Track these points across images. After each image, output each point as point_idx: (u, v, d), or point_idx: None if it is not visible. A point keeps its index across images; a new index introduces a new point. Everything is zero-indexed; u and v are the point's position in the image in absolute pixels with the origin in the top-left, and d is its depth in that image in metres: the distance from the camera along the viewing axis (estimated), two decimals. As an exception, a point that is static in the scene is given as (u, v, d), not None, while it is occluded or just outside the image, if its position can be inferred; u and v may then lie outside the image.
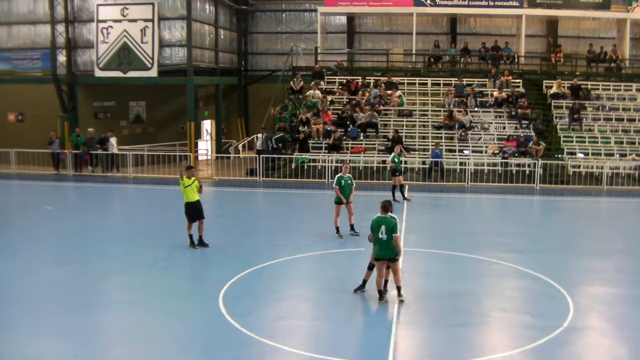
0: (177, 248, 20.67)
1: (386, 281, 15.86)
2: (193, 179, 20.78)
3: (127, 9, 41.04)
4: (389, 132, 36.48)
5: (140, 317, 14.76)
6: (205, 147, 44.24)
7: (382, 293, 15.58)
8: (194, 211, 20.62)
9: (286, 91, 41.71)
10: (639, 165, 34.34)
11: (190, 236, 20.70)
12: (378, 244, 15.46)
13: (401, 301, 15.50)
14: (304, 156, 34.98)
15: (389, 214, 15.73)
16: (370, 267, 16.17)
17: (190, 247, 20.55)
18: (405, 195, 29.03)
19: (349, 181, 22.17)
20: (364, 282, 16.31)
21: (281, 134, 35.99)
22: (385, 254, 15.42)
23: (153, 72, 40.93)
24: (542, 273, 18.21)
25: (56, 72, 41.68)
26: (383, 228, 15.38)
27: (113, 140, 37.04)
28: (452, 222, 26.39)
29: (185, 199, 20.64)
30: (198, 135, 43.05)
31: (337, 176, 22.47)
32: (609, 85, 41.81)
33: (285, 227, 23.48)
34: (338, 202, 21.93)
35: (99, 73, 41.29)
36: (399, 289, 15.65)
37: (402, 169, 30.26)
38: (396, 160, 28.95)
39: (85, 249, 20.68)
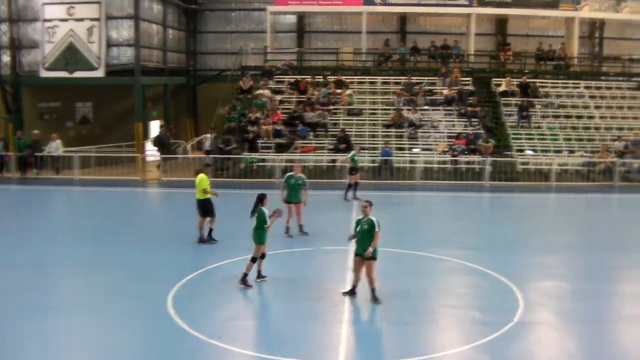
0: (125, 249, 20.33)
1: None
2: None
3: (73, 8, 40.55)
4: (338, 131, 36.30)
5: (87, 321, 14.33)
6: (153, 147, 43.60)
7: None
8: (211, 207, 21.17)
9: (235, 91, 41.28)
10: (587, 161, 34.65)
11: (210, 230, 21.24)
12: None
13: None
14: (253, 156, 34.65)
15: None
16: (263, 256, 16.91)
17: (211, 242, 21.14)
18: (355, 195, 28.81)
19: (300, 181, 21.94)
20: (259, 272, 17.06)
21: (227, 137, 35.45)
22: None
23: (100, 72, 40.48)
24: (491, 269, 18.26)
25: (0, 73, 40.89)
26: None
27: (58, 142, 36.24)
28: (402, 220, 26.27)
29: (201, 196, 21.00)
30: (146, 136, 42.51)
31: (286, 175, 22.35)
32: (558, 83, 42.29)
33: (235, 227, 23.06)
34: (287, 201, 21.69)
35: (44, 73, 40.68)
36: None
37: (359, 167, 30.07)
38: (355, 158, 28.88)
39: (30, 252, 20.11)
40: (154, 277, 17.74)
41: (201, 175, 21.14)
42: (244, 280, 16.63)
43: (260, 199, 17.05)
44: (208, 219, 21.23)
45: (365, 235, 15.30)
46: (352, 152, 29.28)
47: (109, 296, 16.03)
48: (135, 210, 28.60)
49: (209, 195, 21.09)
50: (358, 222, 15.56)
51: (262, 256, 16.91)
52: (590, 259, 20.16)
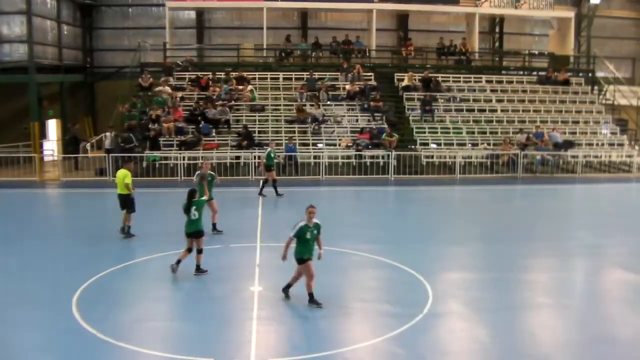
0: (26, 254, 19.44)
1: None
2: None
3: (-42, 2, 38.87)
4: (241, 128, 35.77)
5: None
6: (50, 147, 42.14)
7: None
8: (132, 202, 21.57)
9: (135, 88, 40.32)
10: (490, 154, 35.10)
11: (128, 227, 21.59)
12: None
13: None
14: (155, 154, 33.83)
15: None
16: (190, 250, 17.27)
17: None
18: (277, 191, 28.59)
19: (209, 177, 21.61)
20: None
21: (127, 135, 34.49)
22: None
23: (-10, 70, 38.92)
24: (400, 262, 18.29)
25: None
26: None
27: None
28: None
29: (124, 192, 21.36)
30: (43, 135, 41.16)
31: (197, 173, 21.93)
32: (459, 78, 42.79)
33: (139, 227, 22.40)
34: None
35: None
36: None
37: (275, 164, 29.75)
38: (272, 155, 28.79)
39: None
40: (57, 280, 16.97)
41: (124, 171, 21.38)
42: (199, 270, 17.25)
43: (192, 194, 17.21)
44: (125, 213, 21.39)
45: (315, 239, 14.99)
46: (268, 149, 29.08)
47: (11, 302, 15.28)
48: (33, 212, 27.36)
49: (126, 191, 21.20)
50: (306, 229, 14.91)
51: (190, 250, 17.19)
52: (496, 249, 20.44)
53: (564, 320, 14.78)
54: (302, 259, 14.81)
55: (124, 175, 21.17)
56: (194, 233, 17.07)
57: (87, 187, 31.92)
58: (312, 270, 14.84)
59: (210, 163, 23.46)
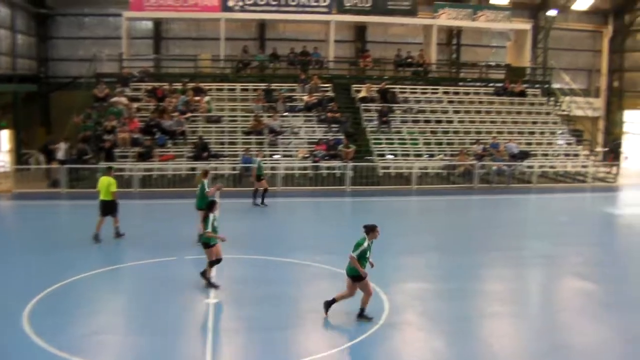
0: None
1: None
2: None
3: None
4: (196, 139, 35.47)
5: None
6: (1, 158, 41.34)
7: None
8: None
9: (90, 99, 39.76)
10: (447, 164, 35.25)
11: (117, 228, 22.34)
12: None
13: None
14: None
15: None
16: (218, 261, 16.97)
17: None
18: (263, 201, 28.82)
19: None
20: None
21: (82, 146, 34.03)
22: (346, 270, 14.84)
23: (-60, 80, 38.22)
24: (356, 273, 17.97)
25: None
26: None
27: None
28: (265, 226, 25.95)
29: (109, 197, 22.02)
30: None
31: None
32: (417, 89, 42.87)
33: (88, 239, 22.10)
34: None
35: None
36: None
37: (264, 174, 29.81)
38: (262, 165, 29.11)
39: None
40: (7, 293, 16.48)
41: (108, 178, 22.18)
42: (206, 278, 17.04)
43: (209, 207, 17.15)
44: (112, 218, 22.08)
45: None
46: (258, 160, 29.48)
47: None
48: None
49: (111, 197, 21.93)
50: (368, 248, 14.78)
51: (218, 261, 16.93)
52: (453, 260, 20.48)
53: (521, 329, 14.84)
54: (361, 276, 14.54)
55: (108, 182, 21.93)
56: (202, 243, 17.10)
57: (41, 198, 31.40)
58: (370, 287, 14.70)
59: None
